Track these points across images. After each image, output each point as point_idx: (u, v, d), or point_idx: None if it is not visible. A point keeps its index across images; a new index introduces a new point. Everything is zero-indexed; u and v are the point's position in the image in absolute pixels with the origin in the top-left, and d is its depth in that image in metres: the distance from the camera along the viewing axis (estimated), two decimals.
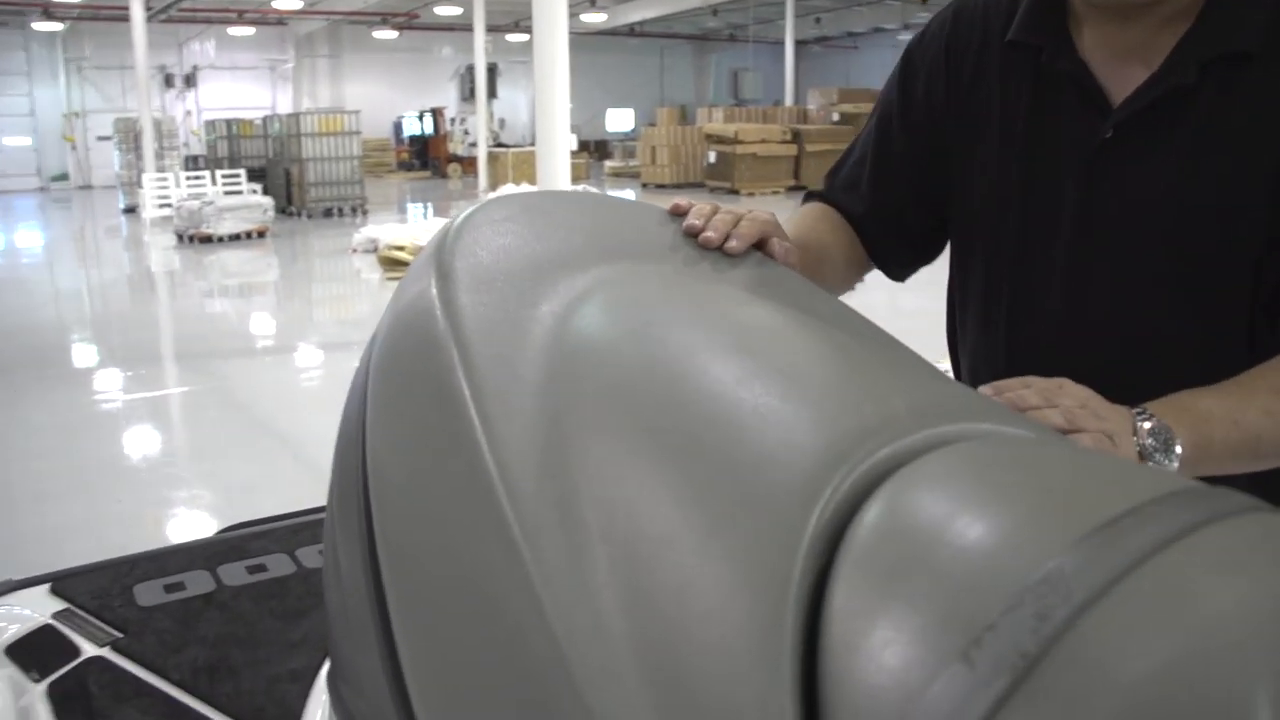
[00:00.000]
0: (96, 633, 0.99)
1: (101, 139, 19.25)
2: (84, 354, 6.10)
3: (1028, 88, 0.84)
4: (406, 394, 0.55)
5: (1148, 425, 0.65)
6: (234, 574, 1.11)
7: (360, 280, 8.52)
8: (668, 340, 0.54)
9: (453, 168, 21.43)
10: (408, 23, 21.83)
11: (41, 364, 5.58)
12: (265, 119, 14.74)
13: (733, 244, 0.70)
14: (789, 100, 20.11)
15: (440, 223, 8.69)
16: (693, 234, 0.70)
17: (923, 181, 0.93)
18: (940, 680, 0.32)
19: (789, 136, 15.98)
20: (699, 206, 0.73)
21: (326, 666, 0.79)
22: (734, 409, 0.47)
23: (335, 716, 0.61)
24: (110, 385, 5.26)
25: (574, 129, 6.38)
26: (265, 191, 12.79)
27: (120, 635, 0.99)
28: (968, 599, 0.34)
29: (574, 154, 6.21)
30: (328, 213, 13.10)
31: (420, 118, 23.05)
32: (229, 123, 15.06)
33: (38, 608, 1.03)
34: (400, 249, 8.21)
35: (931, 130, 0.91)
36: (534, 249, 0.63)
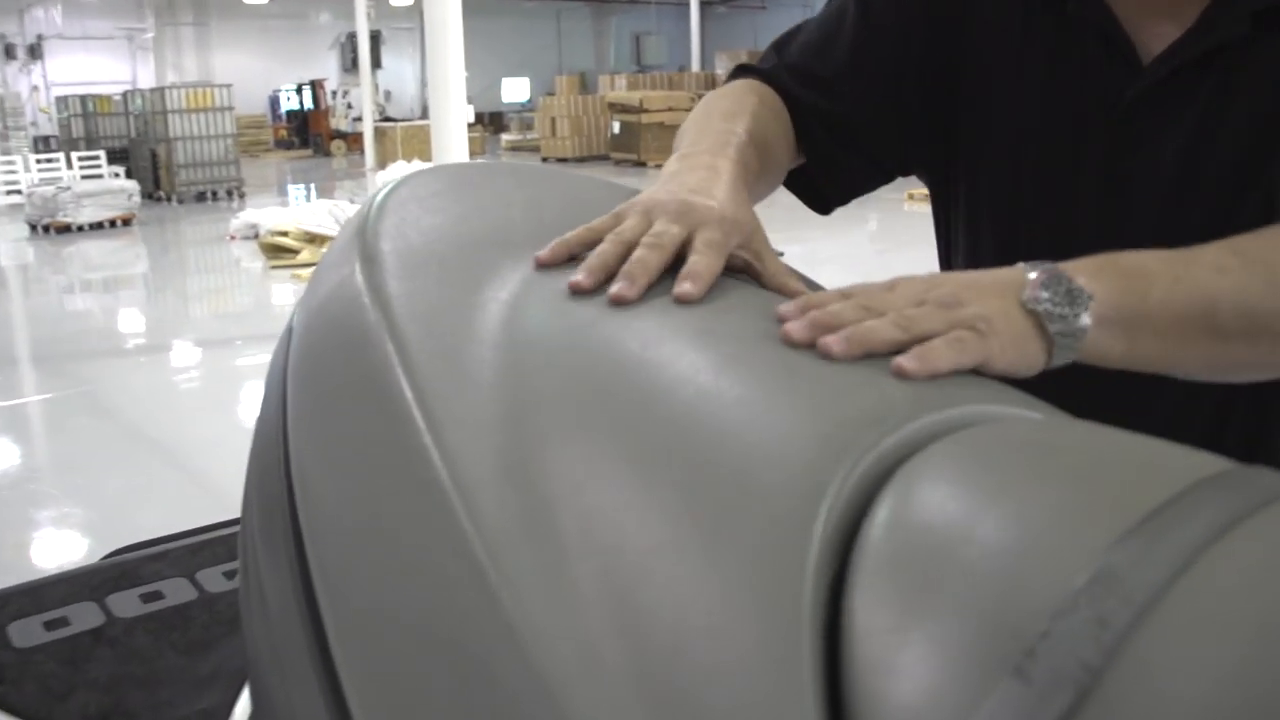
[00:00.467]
0: None
1: None
2: None
3: (1050, 36, 0.80)
4: (335, 398, 0.51)
5: (1034, 275, 0.55)
6: (126, 604, 1.05)
7: (241, 270, 8.28)
8: (634, 326, 0.52)
9: (336, 145, 20.96)
10: None
11: None
12: (126, 94, 14.16)
13: (686, 288, 0.55)
14: (695, 65, 20.23)
15: (327, 205, 8.54)
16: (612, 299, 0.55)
17: (908, 110, 0.85)
18: (992, 699, 0.30)
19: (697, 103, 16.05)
20: (601, 249, 0.58)
21: (244, 704, 0.74)
22: (716, 400, 0.45)
23: None
24: None
25: (469, 100, 6.28)
26: (129, 175, 12.30)
27: None
28: (1011, 604, 0.32)
29: (470, 127, 6.11)
30: (200, 197, 12.68)
31: (299, 91, 22.47)
32: (84, 99, 14.41)
33: None
34: (284, 234, 8.01)
35: (929, 56, 0.84)
36: (470, 227, 0.60)
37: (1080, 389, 0.61)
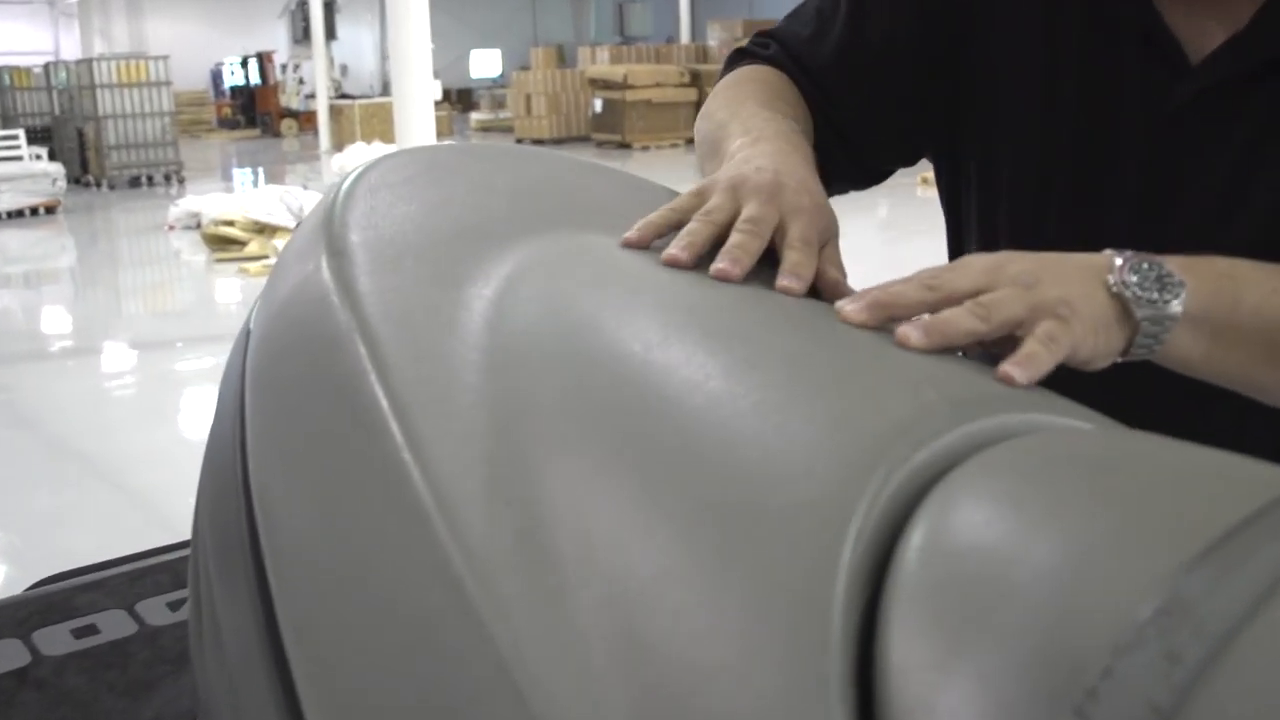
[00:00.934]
0: None
1: None
2: None
3: (1079, 29, 0.79)
4: (301, 409, 0.51)
5: (1120, 260, 0.55)
6: (55, 640, 1.04)
7: (181, 263, 8.25)
8: (633, 325, 0.51)
9: (287, 124, 20.92)
10: None
11: None
12: (47, 67, 14.07)
13: (789, 284, 0.59)
14: (685, 37, 20.26)
15: (277, 191, 8.51)
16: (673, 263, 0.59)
17: (905, 104, 0.86)
18: None
19: (687, 79, 16.09)
20: (691, 225, 0.61)
21: None
22: (729, 407, 0.45)
23: None
24: None
25: (435, 75, 6.28)
26: (53, 157, 12.19)
27: None
28: (1069, 637, 0.32)
29: (436, 105, 6.10)
30: (134, 182, 12.61)
31: (244, 64, 22.43)
32: None
33: None
34: (229, 224, 7.99)
35: (945, 54, 0.84)
36: (447, 216, 0.60)
37: (1129, 399, 0.61)
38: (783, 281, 0.58)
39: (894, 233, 8.44)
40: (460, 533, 0.42)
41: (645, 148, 15.13)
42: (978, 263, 0.56)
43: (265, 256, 7.38)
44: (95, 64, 12.82)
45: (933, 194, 0.97)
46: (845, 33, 0.86)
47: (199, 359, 5.35)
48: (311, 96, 18.90)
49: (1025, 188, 0.83)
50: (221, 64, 23.11)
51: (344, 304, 0.52)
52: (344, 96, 19.40)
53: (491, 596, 0.40)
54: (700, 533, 0.40)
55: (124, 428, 4.49)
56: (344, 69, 23.24)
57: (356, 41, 24.61)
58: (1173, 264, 0.56)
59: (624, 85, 15.53)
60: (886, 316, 0.54)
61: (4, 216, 10.10)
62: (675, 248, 0.59)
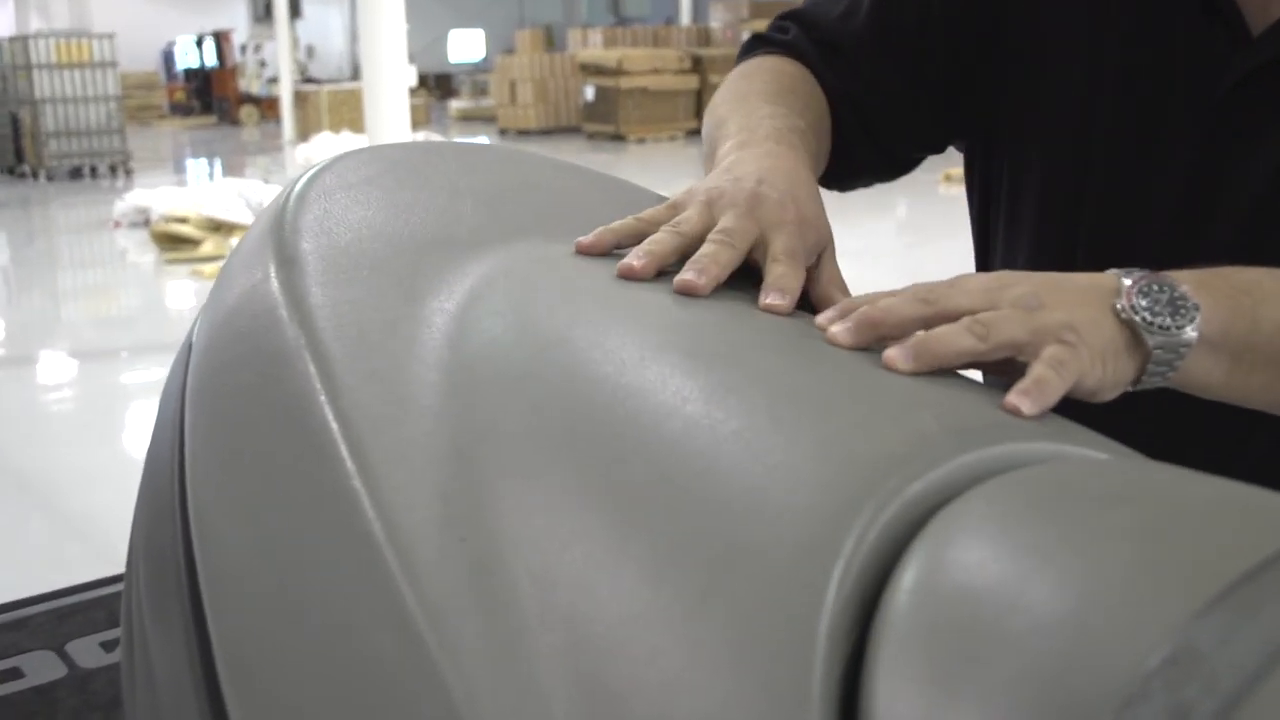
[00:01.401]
0: None
1: None
2: None
3: (1133, 8, 0.79)
4: (244, 431, 0.52)
5: (1129, 281, 0.56)
6: None
7: (127, 264, 8.24)
8: (607, 344, 0.52)
9: (246, 112, 20.92)
10: None
11: None
12: None
13: (775, 301, 0.59)
14: (685, 18, 20.32)
15: (236, 185, 8.52)
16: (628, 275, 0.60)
17: (939, 86, 0.88)
18: None
19: (688, 65, 16.15)
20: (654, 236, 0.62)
21: None
22: (707, 435, 0.45)
23: None
24: None
25: (410, 59, 6.30)
26: None
27: None
28: (1070, 690, 0.32)
29: (411, 91, 6.12)
30: (76, 173, 12.62)
31: (199, 44, 22.43)
32: None
33: None
34: (181, 221, 7.98)
35: (978, 31, 0.86)
36: (409, 222, 0.61)
37: (1159, 423, 0.61)
38: (767, 300, 0.59)
39: (914, 236, 8.46)
40: (412, 568, 0.42)
41: (641, 140, 15.15)
42: (976, 282, 0.56)
43: (221, 257, 7.38)
44: (32, 42, 12.80)
45: (956, 192, 0.98)
46: (877, 10, 0.87)
47: (146, 369, 5.34)
48: (274, 81, 18.96)
49: (1059, 181, 0.84)
50: (174, 44, 23.11)
51: (293, 318, 0.53)
52: (310, 81, 19.43)
53: (444, 638, 0.40)
54: (672, 573, 0.40)
55: (62, 446, 4.48)
56: (310, 50, 23.29)
57: (324, 20, 24.68)
58: (1185, 283, 0.57)
59: (618, 71, 15.57)
60: (875, 336, 0.54)
61: None
62: (633, 257, 0.60)
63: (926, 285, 0.57)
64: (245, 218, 7.80)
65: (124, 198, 9.27)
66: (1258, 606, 0.32)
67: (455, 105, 20.73)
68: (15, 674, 1.06)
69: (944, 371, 0.54)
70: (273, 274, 0.56)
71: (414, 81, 6.24)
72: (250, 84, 21.74)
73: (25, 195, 11.51)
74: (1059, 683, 0.33)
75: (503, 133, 16.67)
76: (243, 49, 22.33)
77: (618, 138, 15.31)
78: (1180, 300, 0.55)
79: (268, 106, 20.25)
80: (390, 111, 5.97)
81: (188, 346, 0.60)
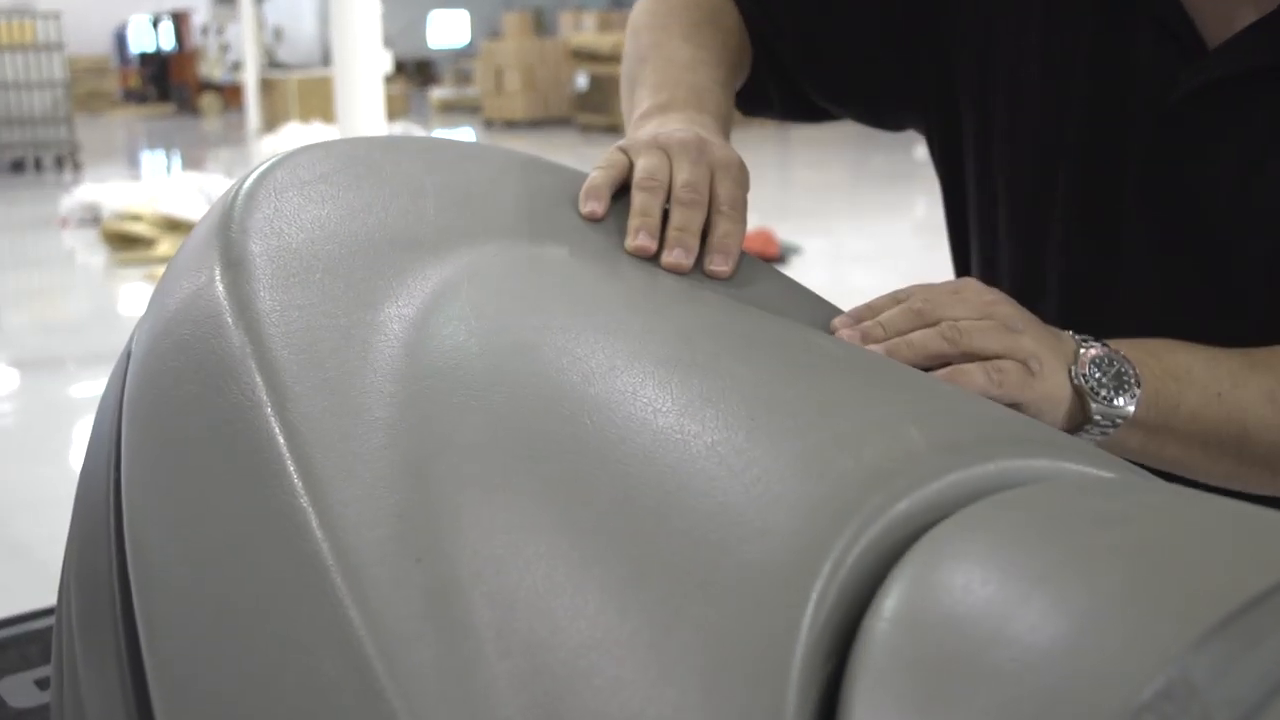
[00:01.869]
0: None
1: None
2: None
3: (1090, 13, 0.83)
4: (186, 445, 0.52)
5: (1092, 353, 0.66)
6: None
7: (75, 266, 8.24)
8: (574, 353, 0.53)
9: (207, 100, 20.92)
10: None
11: None
12: None
13: (719, 268, 0.68)
14: None
15: (195, 180, 8.50)
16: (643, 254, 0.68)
17: (888, 73, 0.95)
18: None
19: None
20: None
21: None
22: (680, 450, 0.46)
23: None
24: None
25: (386, 43, 6.30)
26: None
27: None
28: None
29: (388, 79, 6.12)
30: (18, 166, 12.61)
31: (155, 26, 22.42)
32: None
33: None
34: (135, 219, 7.97)
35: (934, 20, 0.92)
36: (366, 223, 0.61)
37: None
38: (711, 266, 0.67)
39: (932, 237, 8.46)
40: (362, 591, 0.43)
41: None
42: (974, 293, 0.65)
43: None
44: None
45: None
46: None
47: (94, 381, 5.34)
48: (238, 66, 18.91)
49: (1023, 205, 0.89)
50: (127, 24, 23.11)
51: (239, 324, 0.53)
52: (277, 66, 19.42)
53: (396, 666, 0.41)
54: (639, 597, 0.41)
55: (1, 465, 4.47)
56: (278, 33, 23.24)
57: (293, 1, 24.68)
58: (1132, 357, 0.67)
59: (613, 58, 15.57)
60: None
61: None
62: (641, 238, 0.67)
63: (925, 293, 0.65)
64: None
65: (72, 193, 9.25)
66: (1258, 638, 0.33)
67: (436, 94, 20.74)
68: None
69: (934, 383, 0.54)
70: (217, 277, 0.56)
71: (390, 68, 6.23)
72: (212, 69, 21.69)
73: None
74: (1045, 717, 0.33)
75: (488, 124, 16.66)
76: (203, 31, 22.27)
77: (612, 129, 15.30)
78: (1125, 376, 0.66)
79: (231, 94, 20.22)
80: (364, 101, 5.97)
81: (126, 355, 0.61)
